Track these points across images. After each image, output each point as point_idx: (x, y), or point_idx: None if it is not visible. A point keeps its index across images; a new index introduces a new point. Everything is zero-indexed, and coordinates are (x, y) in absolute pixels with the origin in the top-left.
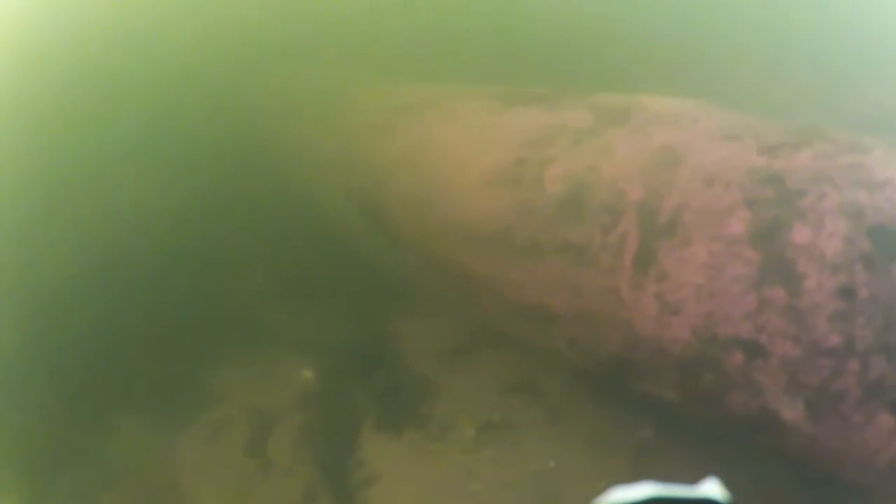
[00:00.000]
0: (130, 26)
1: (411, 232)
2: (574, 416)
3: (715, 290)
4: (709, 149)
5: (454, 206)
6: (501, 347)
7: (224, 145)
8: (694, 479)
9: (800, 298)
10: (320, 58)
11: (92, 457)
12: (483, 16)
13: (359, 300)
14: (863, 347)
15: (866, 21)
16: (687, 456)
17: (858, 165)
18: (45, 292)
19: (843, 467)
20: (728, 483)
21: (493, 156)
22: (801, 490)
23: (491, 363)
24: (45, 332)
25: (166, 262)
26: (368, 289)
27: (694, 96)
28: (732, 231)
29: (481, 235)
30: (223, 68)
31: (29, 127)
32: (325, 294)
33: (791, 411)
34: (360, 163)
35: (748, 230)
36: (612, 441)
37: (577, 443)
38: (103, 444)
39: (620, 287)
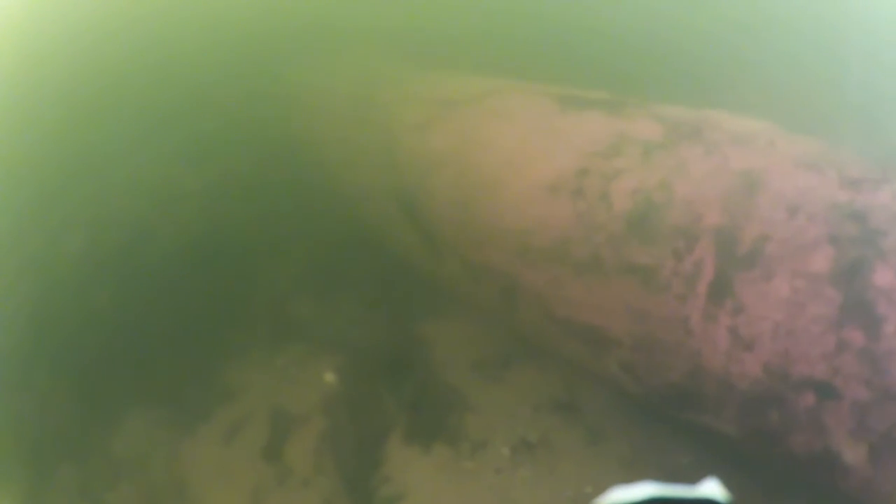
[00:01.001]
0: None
1: (453, 235)
2: (614, 439)
3: (794, 328)
4: (789, 177)
5: (505, 211)
6: (540, 362)
7: (257, 130)
8: (694, 479)
9: (878, 342)
10: (358, 46)
11: (97, 452)
12: (533, 8)
13: (390, 301)
14: None
15: None
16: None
17: None
18: (56, 275)
19: None
20: None
21: (553, 162)
22: None
23: (528, 378)
24: (54, 317)
25: (189, 247)
26: (401, 290)
27: (759, 115)
28: (816, 268)
29: (534, 246)
30: (257, 51)
31: (55, 98)
32: (356, 292)
33: (854, 454)
34: (401, 158)
35: (831, 268)
36: (651, 466)
37: (615, 467)
38: (110, 439)
39: (691, 316)
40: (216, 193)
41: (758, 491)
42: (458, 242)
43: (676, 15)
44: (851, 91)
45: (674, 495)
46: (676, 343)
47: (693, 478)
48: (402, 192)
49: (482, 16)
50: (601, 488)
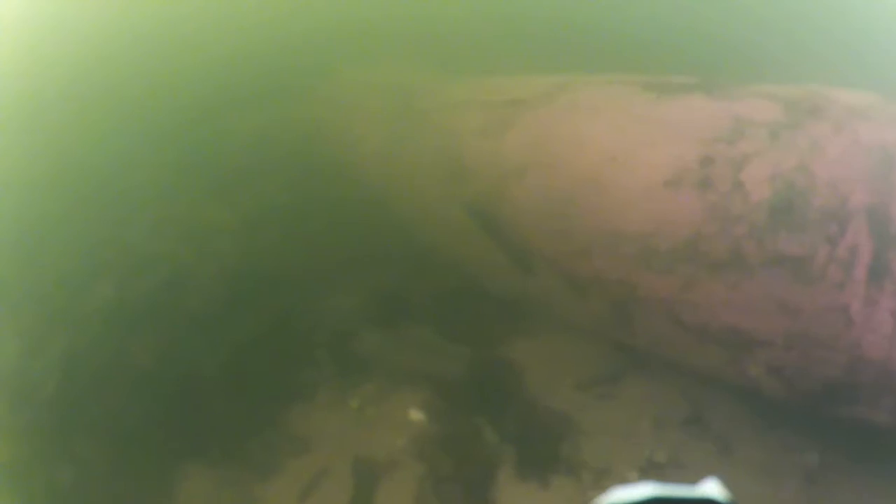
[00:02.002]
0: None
1: (549, 246)
2: (746, 447)
3: None
4: None
5: (616, 213)
6: (653, 374)
7: (291, 153)
8: (694, 479)
9: None
10: (389, 54)
11: None
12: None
13: (470, 324)
14: None
15: None
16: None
17: None
18: (85, 329)
19: None
20: None
21: (666, 153)
22: None
23: (641, 393)
24: (88, 376)
25: (232, 286)
26: (481, 311)
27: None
28: None
29: (658, 248)
30: (284, 66)
31: (74, 134)
32: (428, 318)
33: None
34: (469, 166)
35: None
36: (787, 469)
37: (749, 474)
38: None
39: (851, 304)
40: (255, 225)
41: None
42: (557, 254)
43: None
44: None
45: (674, 495)
46: (834, 335)
47: (693, 478)
48: (474, 203)
49: (536, 11)
50: (738, 497)
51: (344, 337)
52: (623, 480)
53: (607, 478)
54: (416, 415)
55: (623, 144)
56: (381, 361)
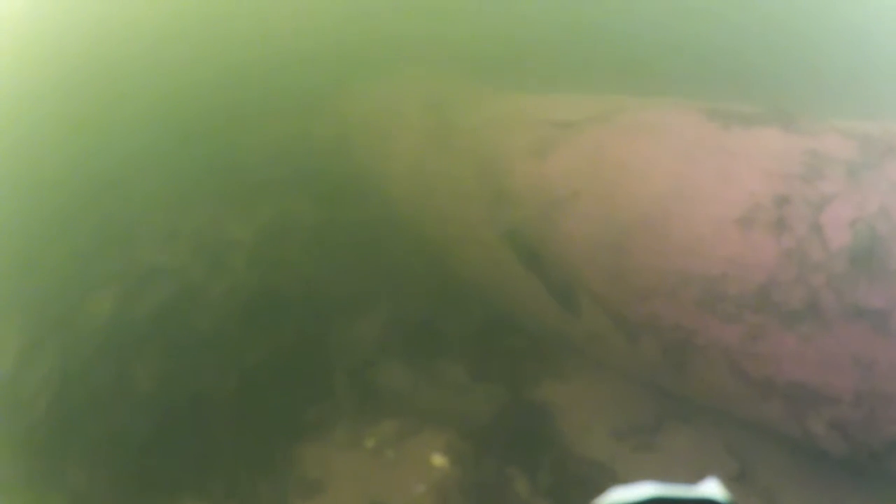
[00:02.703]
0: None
1: (600, 283)
2: (791, 499)
3: None
4: None
5: (679, 252)
6: (697, 423)
7: (313, 164)
8: (694, 479)
9: None
10: (422, 64)
11: None
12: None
13: (504, 360)
14: None
15: None
16: None
17: None
18: (84, 344)
19: None
20: None
21: (737, 188)
22: None
23: (685, 443)
24: (85, 397)
25: (244, 306)
26: (517, 346)
27: None
28: None
29: (726, 293)
30: (307, 73)
31: (83, 138)
32: (458, 354)
33: None
34: (512, 189)
35: None
36: None
37: None
38: None
39: None
40: (272, 242)
41: None
42: (608, 293)
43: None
44: None
45: (674, 495)
46: None
47: (693, 478)
48: (516, 230)
49: (587, 24)
50: None
51: (364, 368)
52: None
53: None
54: (438, 459)
55: (690, 176)
56: (402, 398)
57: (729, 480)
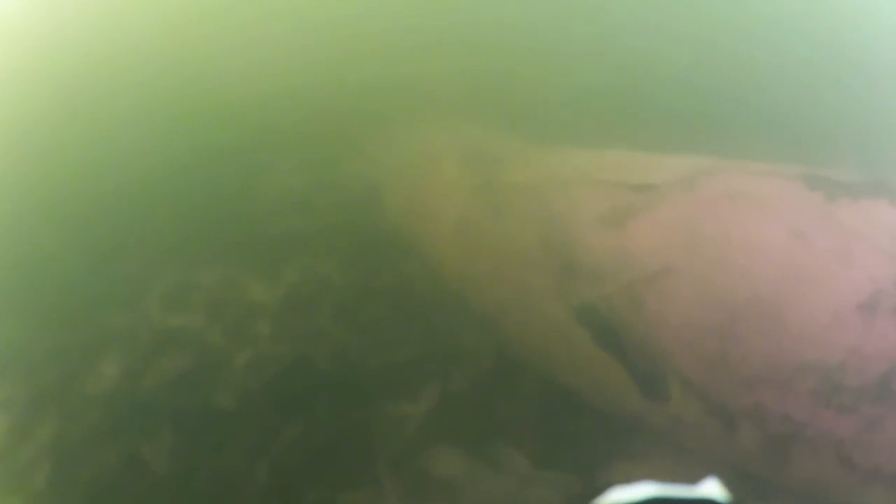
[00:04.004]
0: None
1: (688, 367)
2: None
3: None
4: None
5: (790, 338)
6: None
7: (342, 220)
8: (694, 479)
9: None
10: (460, 114)
11: None
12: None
13: (571, 444)
14: None
15: None
16: None
17: None
18: (82, 419)
19: None
20: None
21: (858, 270)
22: None
23: None
24: (94, 469)
25: (271, 379)
26: (587, 429)
27: None
28: None
29: (845, 385)
30: (332, 120)
31: (88, 182)
32: (517, 433)
33: None
34: (584, 261)
35: None
36: None
37: None
38: None
39: None
40: (298, 306)
41: None
42: (708, 381)
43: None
44: None
45: (674, 495)
46: None
47: (693, 478)
48: (592, 307)
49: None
50: None
51: (410, 453)
52: None
53: None
54: None
55: (804, 256)
56: (455, 488)
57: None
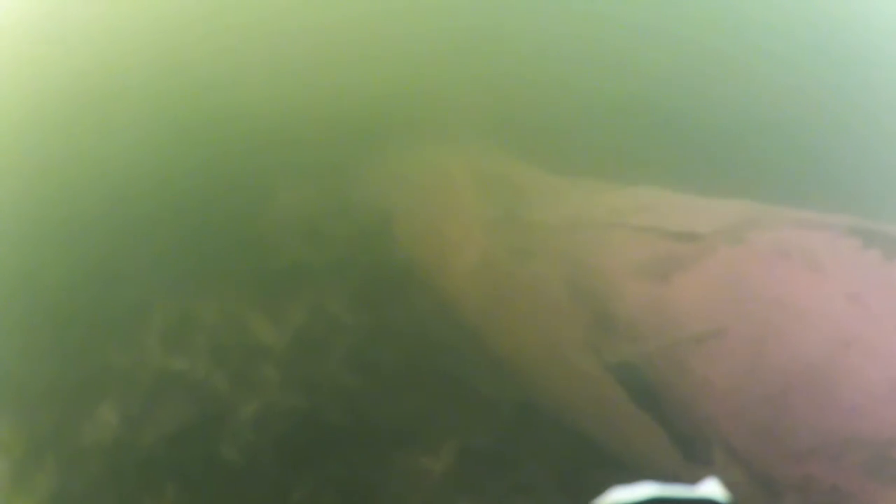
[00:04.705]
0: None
1: (734, 435)
2: None
3: None
4: None
5: (845, 411)
6: None
7: (357, 241)
8: (694, 479)
9: None
10: (483, 131)
11: None
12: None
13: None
14: None
15: None
16: None
17: None
18: (88, 464)
19: None
20: None
21: None
22: None
23: None
24: None
25: (281, 430)
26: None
27: None
28: None
29: (893, 458)
30: (342, 119)
31: (83, 198)
32: (546, 492)
33: None
34: (621, 315)
35: None
36: None
37: None
38: None
39: None
40: (306, 350)
41: None
42: (754, 451)
43: None
44: None
45: (674, 495)
46: None
47: (693, 478)
48: (629, 365)
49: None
50: None
51: None
52: None
53: None
54: None
55: (860, 322)
56: None
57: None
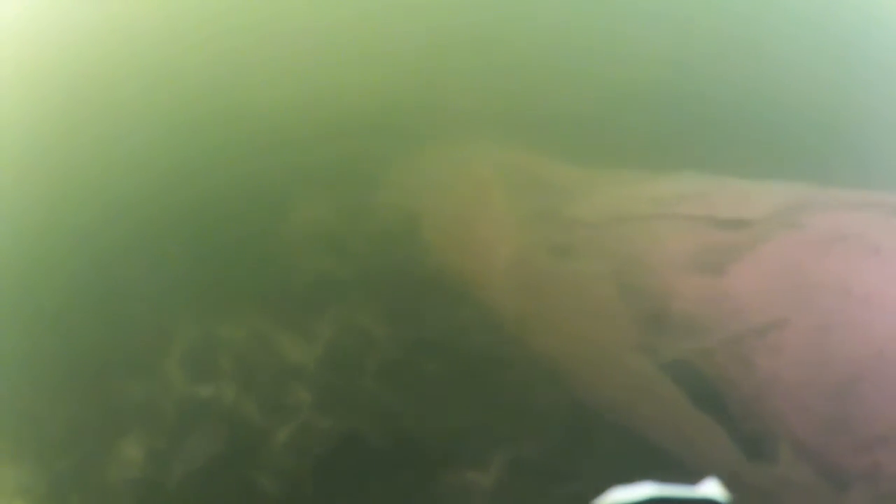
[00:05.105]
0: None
1: (801, 429)
2: None
3: None
4: None
5: None
6: None
7: (387, 248)
8: (694, 479)
9: None
10: (511, 126)
11: None
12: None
13: None
14: None
15: None
16: None
17: None
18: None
19: None
20: None
21: None
22: None
23: None
24: None
25: (318, 457)
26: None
27: None
28: None
29: None
30: (361, 132)
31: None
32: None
33: None
34: (677, 313)
35: None
36: None
37: None
38: None
39: None
40: (339, 368)
41: None
42: (822, 443)
43: None
44: None
45: (674, 495)
46: None
47: (693, 478)
48: (687, 362)
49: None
50: None
51: None
52: None
53: None
54: None
55: None
56: None
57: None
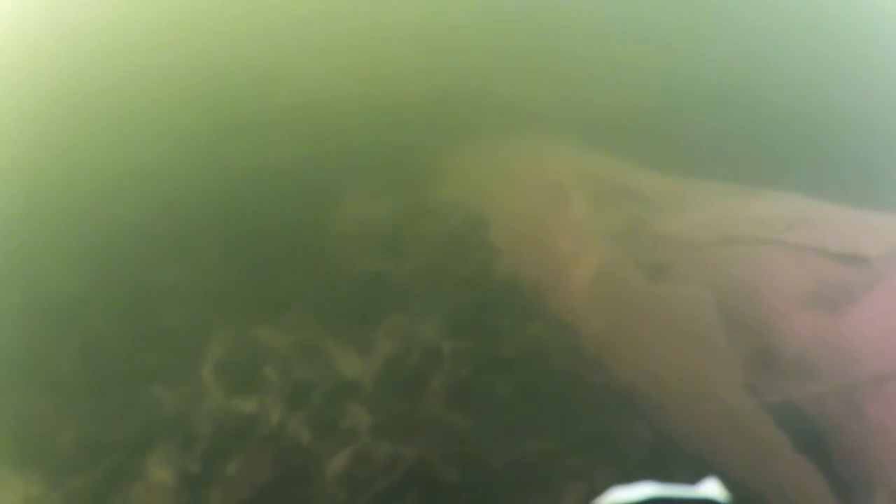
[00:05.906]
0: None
1: None
2: None
3: None
4: None
5: None
6: None
7: (437, 256)
8: (694, 479)
9: None
10: (583, 120)
11: None
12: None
13: None
14: None
15: None
16: None
17: None
18: None
19: None
20: None
21: None
22: None
23: None
24: None
25: (384, 494)
26: None
27: None
28: None
29: None
30: (410, 122)
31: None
32: None
33: None
34: (788, 351)
35: None
36: None
37: None
38: None
39: None
40: (398, 386)
41: None
42: None
43: None
44: None
45: (674, 495)
46: None
47: (693, 478)
48: (795, 406)
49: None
50: None
51: None
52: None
53: None
54: None
55: None
56: None
57: None
